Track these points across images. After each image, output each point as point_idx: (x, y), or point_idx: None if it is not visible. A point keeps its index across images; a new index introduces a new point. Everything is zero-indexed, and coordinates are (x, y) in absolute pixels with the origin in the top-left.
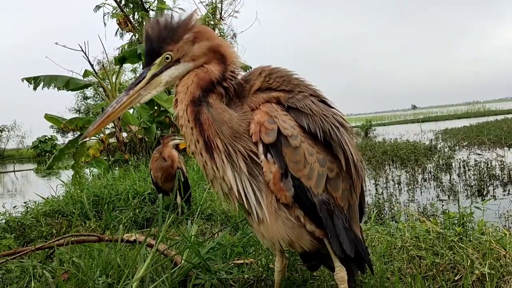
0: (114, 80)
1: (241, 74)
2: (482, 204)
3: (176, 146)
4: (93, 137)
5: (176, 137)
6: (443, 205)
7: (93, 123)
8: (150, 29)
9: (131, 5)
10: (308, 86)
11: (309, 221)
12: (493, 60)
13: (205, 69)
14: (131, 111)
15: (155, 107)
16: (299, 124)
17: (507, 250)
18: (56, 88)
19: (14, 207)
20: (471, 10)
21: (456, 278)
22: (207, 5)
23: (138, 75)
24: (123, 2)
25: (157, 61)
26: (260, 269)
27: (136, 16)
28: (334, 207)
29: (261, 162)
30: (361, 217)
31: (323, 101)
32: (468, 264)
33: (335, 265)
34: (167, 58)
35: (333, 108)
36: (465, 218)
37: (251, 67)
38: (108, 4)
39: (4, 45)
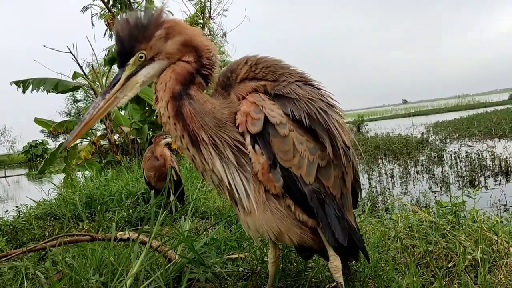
0: (104, 82)
1: (219, 60)
2: (473, 192)
3: (169, 146)
4: (84, 140)
5: (168, 135)
6: (435, 197)
7: (72, 132)
8: (120, 29)
9: (119, 6)
10: (294, 72)
11: (300, 210)
12: (482, 53)
13: (181, 63)
14: (122, 112)
15: (146, 108)
16: (286, 113)
17: (499, 236)
18: (45, 91)
19: (5, 212)
20: (459, 4)
21: (449, 265)
22: (195, 4)
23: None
24: (111, 3)
25: (131, 61)
26: (254, 262)
27: None
28: (325, 196)
29: (248, 153)
30: (356, 203)
31: (310, 84)
32: (461, 250)
33: (329, 254)
34: (141, 57)
35: (320, 89)
36: (457, 207)
37: None
38: (96, 5)
39: None
